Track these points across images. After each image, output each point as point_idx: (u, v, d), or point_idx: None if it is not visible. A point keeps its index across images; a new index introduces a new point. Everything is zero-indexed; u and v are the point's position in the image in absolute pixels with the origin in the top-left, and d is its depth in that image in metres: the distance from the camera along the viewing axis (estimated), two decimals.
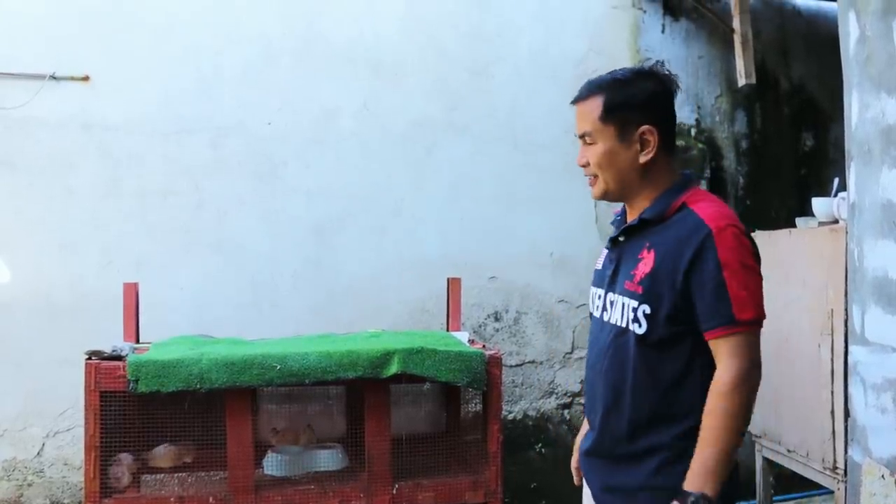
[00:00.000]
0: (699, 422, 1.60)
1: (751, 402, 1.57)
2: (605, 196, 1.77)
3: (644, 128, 1.68)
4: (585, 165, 1.76)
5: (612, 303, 1.73)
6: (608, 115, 1.69)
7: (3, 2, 3.50)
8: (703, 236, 1.58)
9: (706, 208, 1.64)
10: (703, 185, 4.28)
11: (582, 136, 1.74)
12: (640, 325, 1.64)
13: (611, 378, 1.71)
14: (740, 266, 1.57)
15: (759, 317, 1.59)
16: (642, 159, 1.69)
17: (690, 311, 1.60)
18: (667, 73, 1.75)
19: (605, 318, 1.75)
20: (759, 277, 1.62)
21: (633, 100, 1.69)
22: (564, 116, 4.10)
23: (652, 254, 1.65)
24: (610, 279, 1.76)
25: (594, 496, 1.83)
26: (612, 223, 1.89)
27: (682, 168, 1.89)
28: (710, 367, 1.61)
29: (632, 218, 1.76)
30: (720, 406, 1.55)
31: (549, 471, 4.01)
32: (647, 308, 1.63)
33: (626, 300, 1.67)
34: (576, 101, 1.76)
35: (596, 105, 1.70)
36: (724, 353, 1.57)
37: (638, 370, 1.66)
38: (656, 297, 1.62)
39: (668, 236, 1.64)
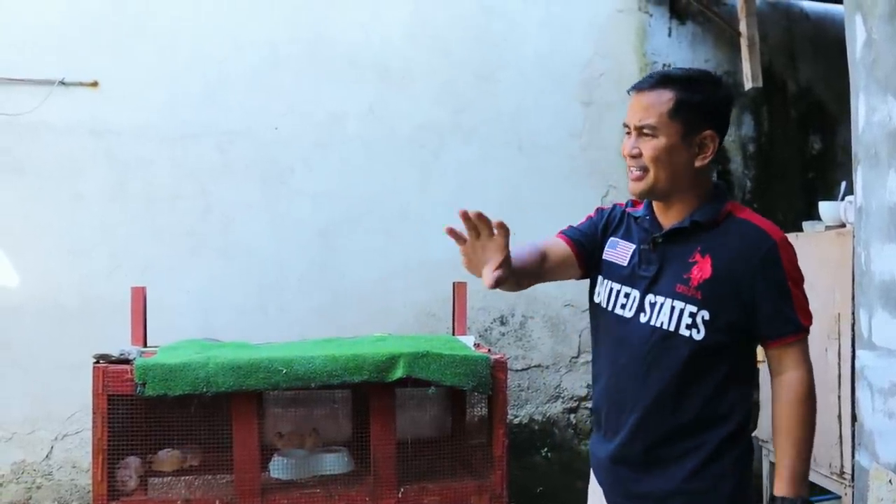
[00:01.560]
0: (738, 426, 1.67)
1: (814, 406, 1.67)
2: (651, 192, 1.70)
3: (707, 132, 1.67)
4: (637, 156, 1.68)
5: (652, 304, 1.68)
6: (678, 111, 1.65)
7: (13, 9, 3.53)
8: (769, 247, 1.63)
9: (761, 220, 1.69)
10: None
11: (640, 127, 1.67)
12: (697, 331, 1.63)
13: (652, 381, 1.67)
14: (800, 276, 1.67)
15: (810, 324, 1.69)
16: (698, 163, 1.67)
17: (750, 318, 1.65)
18: (730, 83, 1.78)
19: (643, 320, 1.70)
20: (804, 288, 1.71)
21: (705, 102, 1.67)
22: (570, 120, 4.12)
23: (707, 259, 1.64)
24: (650, 280, 1.70)
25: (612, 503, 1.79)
26: (621, 218, 1.83)
27: None
28: (749, 372, 1.72)
29: (667, 219, 1.73)
30: (800, 412, 1.63)
31: (555, 475, 4.01)
32: (706, 314, 1.63)
33: (679, 304, 1.65)
34: (641, 88, 1.69)
35: (666, 98, 1.65)
36: (794, 359, 1.65)
37: (686, 375, 1.65)
38: (717, 304, 1.63)
39: (726, 243, 1.65)
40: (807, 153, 4.57)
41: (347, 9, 3.89)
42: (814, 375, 1.66)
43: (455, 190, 3.97)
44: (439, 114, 3.98)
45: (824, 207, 3.27)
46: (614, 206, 1.90)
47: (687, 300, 1.64)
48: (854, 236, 2.79)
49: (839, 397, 2.99)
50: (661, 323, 1.67)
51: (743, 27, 4.04)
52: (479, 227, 1.60)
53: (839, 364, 2.99)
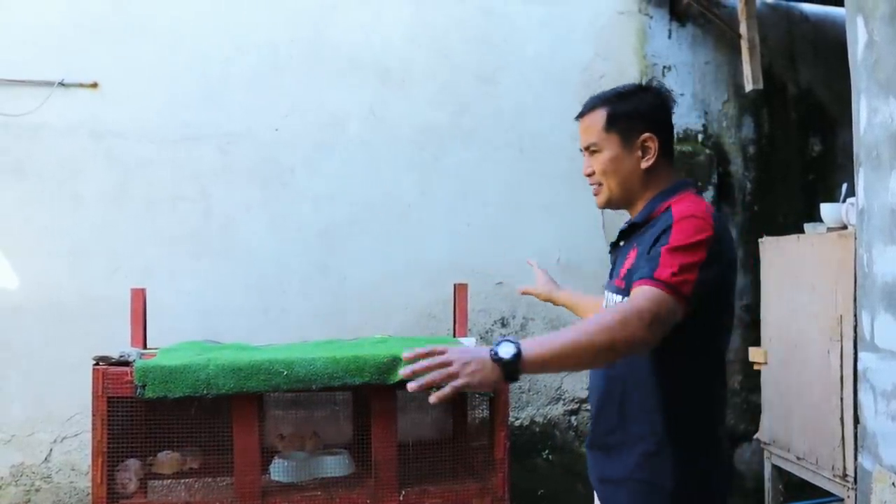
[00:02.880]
0: (679, 415, 1.67)
1: (625, 339, 1.48)
2: (609, 203, 1.86)
3: (645, 135, 1.78)
4: (591, 174, 1.85)
5: (607, 301, 1.83)
6: (611, 124, 1.80)
7: (12, 10, 3.53)
8: (668, 225, 1.65)
9: (682, 206, 1.70)
10: (711, 191, 4.27)
11: (587, 148, 1.84)
12: None
13: (603, 370, 1.78)
14: (685, 247, 1.58)
15: (673, 283, 1.55)
16: (644, 165, 1.79)
17: None
18: (665, 89, 1.89)
19: None
20: (697, 264, 1.58)
21: (635, 109, 1.80)
22: (571, 122, 4.06)
23: (634, 252, 1.74)
24: (608, 280, 1.88)
25: (594, 488, 1.88)
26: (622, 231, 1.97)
27: (685, 176, 1.96)
28: (703, 364, 1.70)
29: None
30: (604, 317, 1.51)
31: (556, 477, 4.00)
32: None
33: (614, 296, 1.78)
34: (580, 116, 1.87)
35: (600, 116, 1.81)
36: (634, 294, 1.56)
37: (623, 362, 1.67)
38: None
39: (647, 235, 1.72)
40: (807, 155, 4.57)
41: (348, 10, 3.88)
42: (647, 321, 1.49)
43: (455, 191, 3.97)
44: (440, 115, 3.97)
45: (826, 209, 3.27)
46: None
47: (617, 291, 1.77)
48: (856, 238, 2.79)
49: (841, 400, 2.99)
50: None
51: (743, 29, 4.04)
52: None
53: (841, 366, 2.99)
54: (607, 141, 1.80)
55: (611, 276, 1.88)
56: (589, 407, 4.00)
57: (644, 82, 1.92)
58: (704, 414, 1.71)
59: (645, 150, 1.79)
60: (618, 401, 1.74)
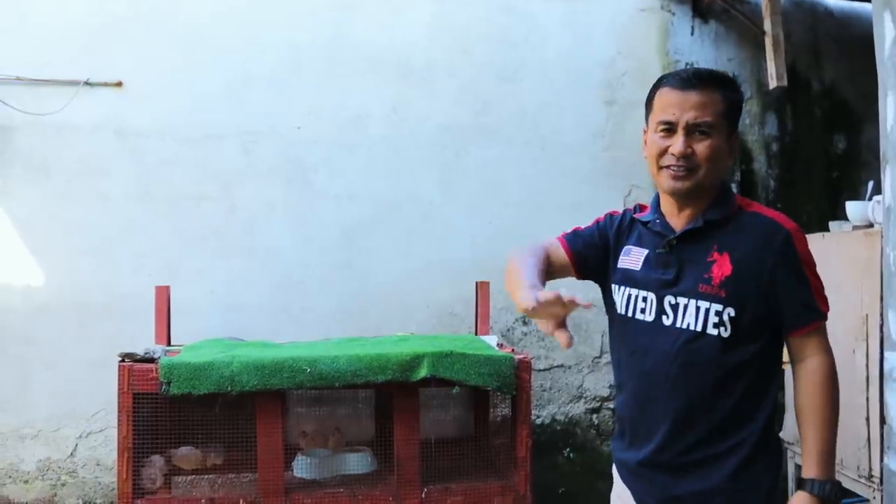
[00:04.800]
0: (768, 425, 1.69)
1: (837, 388, 1.68)
2: (696, 190, 1.68)
3: (735, 134, 1.74)
4: (688, 155, 1.65)
5: (674, 306, 1.68)
6: (728, 112, 1.69)
7: (38, 10, 3.57)
8: (784, 236, 1.64)
9: (771, 212, 1.71)
10: (734, 189, 4.23)
11: (696, 125, 1.64)
12: (725, 329, 1.64)
13: (682, 384, 1.67)
14: (814, 263, 1.69)
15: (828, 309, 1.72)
16: (729, 161, 1.76)
17: (773, 310, 1.66)
18: None
19: (666, 323, 1.69)
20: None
21: (740, 105, 1.75)
22: (593, 120, 4.10)
23: (725, 256, 1.65)
24: (670, 282, 1.69)
25: None
26: (631, 225, 1.84)
27: None
28: (775, 371, 1.73)
29: (678, 220, 1.73)
30: (826, 395, 1.65)
31: (578, 476, 3.99)
32: (731, 311, 1.64)
33: (704, 304, 1.64)
34: (690, 87, 1.66)
35: (719, 99, 1.66)
36: (816, 346, 1.67)
37: (717, 375, 1.65)
38: (742, 299, 1.64)
39: (742, 238, 1.67)
40: (831, 152, 4.52)
41: (369, 9, 3.89)
42: (834, 359, 1.69)
43: (477, 190, 3.97)
44: (461, 114, 3.97)
45: (851, 207, 3.23)
46: (624, 211, 1.90)
47: (711, 299, 1.64)
48: (882, 236, 2.76)
49: (867, 399, 2.96)
50: (688, 324, 1.66)
51: (767, 25, 4.01)
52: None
53: (867, 366, 2.96)
54: (720, 128, 1.66)
55: (677, 278, 1.69)
56: (611, 406, 4.00)
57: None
58: (773, 411, 1.73)
59: (732, 148, 1.73)
60: (705, 419, 1.67)
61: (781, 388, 3.79)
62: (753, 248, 1.65)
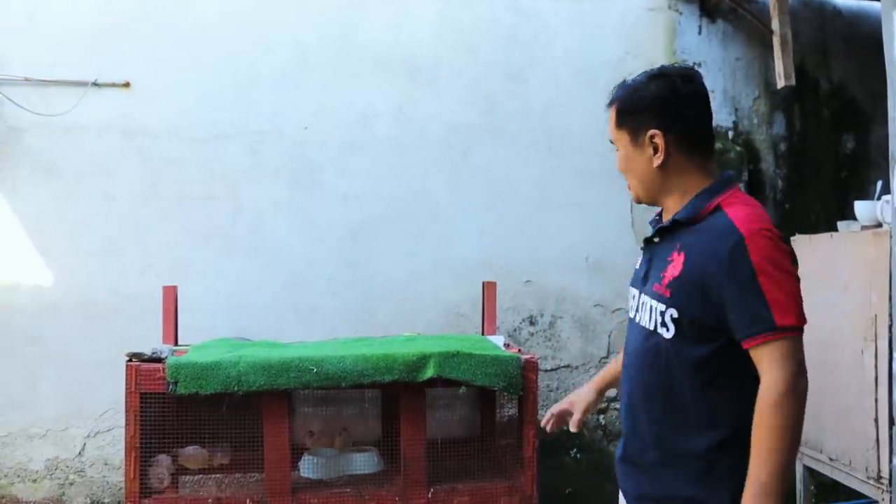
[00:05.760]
0: (732, 433, 1.57)
1: (801, 412, 1.49)
2: (639, 200, 1.78)
3: (651, 132, 1.66)
4: (621, 170, 1.78)
5: (643, 304, 1.71)
6: (620, 121, 1.72)
7: (46, 11, 3.58)
8: (734, 241, 1.52)
9: (739, 211, 1.58)
10: (742, 188, 4.22)
11: (612, 143, 1.77)
12: (667, 330, 1.61)
13: (641, 381, 1.69)
14: (776, 270, 1.50)
15: (801, 322, 1.51)
16: (655, 163, 1.68)
17: (722, 318, 1.55)
18: (683, 72, 1.71)
19: (637, 320, 1.74)
20: (797, 281, 1.55)
21: (638, 105, 1.69)
22: (600, 120, 4.07)
23: (682, 256, 1.61)
24: (642, 280, 1.74)
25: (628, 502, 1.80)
26: (650, 222, 1.86)
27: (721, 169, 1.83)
28: (747, 376, 1.55)
29: (665, 220, 1.74)
30: (771, 420, 1.47)
31: (585, 476, 3.98)
32: (674, 312, 1.60)
33: (654, 303, 1.65)
34: (606, 108, 1.79)
35: (613, 113, 1.74)
36: (768, 362, 1.49)
37: (666, 374, 1.63)
38: (684, 301, 1.59)
39: (700, 240, 1.60)
40: (840, 152, 4.50)
41: (376, 9, 3.89)
42: (798, 380, 1.48)
43: (484, 190, 3.96)
44: (468, 114, 3.97)
45: (860, 207, 3.22)
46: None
47: (659, 298, 1.64)
48: (891, 236, 2.75)
49: (876, 400, 2.94)
50: (646, 322, 1.68)
51: (775, 25, 3.99)
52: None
53: (876, 366, 2.94)
54: (620, 139, 1.72)
55: (645, 276, 1.73)
56: (618, 406, 3.99)
57: (660, 67, 1.74)
58: (744, 420, 1.56)
59: (654, 147, 1.66)
60: (656, 419, 1.65)
61: None
62: (705, 250, 1.57)
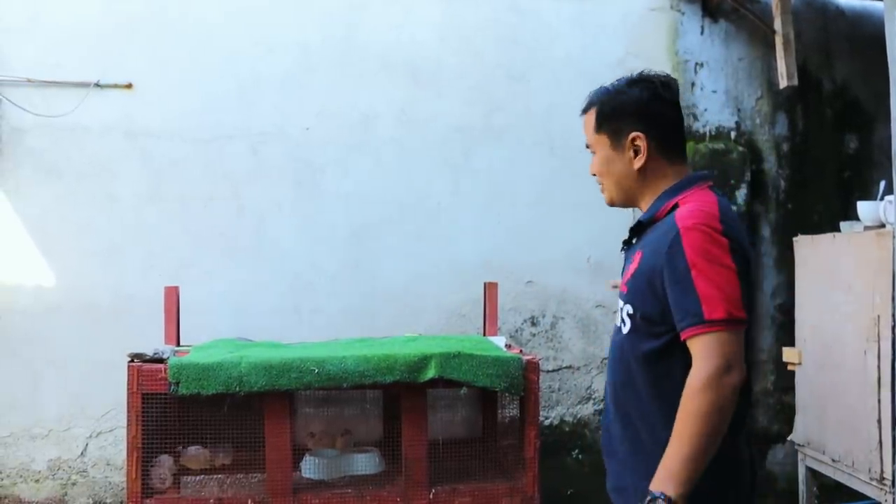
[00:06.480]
0: None
1: (722, 404, 1.50)
2: (613, 202, 1.82)
3: (633, 134, 1.71)
4: (594, 175, 1.83)
5: (619, 305, 1.78)
6: (601, 124, 1.76)
7: (48, 13, 3.59)
8: (673, 235, 1.58)
9: (685, 209, 1.63)
10: (744, 189, 4.21)
11: (587, 147, 1.82)
12: (625, 325, 1.69)
13: (613, 378, 1.75)
14: (708, 264, 1.53)
15: (733, 316, 1.53)
16: (635, 165, 1.72)
17: (666, 311, 1.59)
18: (662, 78, 1.75)
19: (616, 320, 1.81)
20: (734, 275, 1.55)
21: (621, 108, 1.73)
22: None
23: (640, 255, 1.68)
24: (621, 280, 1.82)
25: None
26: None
27: (713, 171, 1.87)
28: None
29: None
30: (688, 407, 1.51)
31: (586, 477, 3.98)
32: (629, 308, 1.67)
33: (620, 301, 1.73)
34: (581, 113, 1.84)
35: (592, 117, 1.79)
36: (696, 354, 1.53)
37: (627, 370, 1.68)
38: (636, 297, 1.66)
39: (652, 238, 1.67)
40: (843, 152, 4.49)
41: (379, 10, 3.90)
42: (723, 373, 1.49)
43: (486, 191, 3.96)
44: (470, 115, 3.97)
45: (863, 207, 3.21)
46: None
47: (622, 296, 1.72)
48: (894, 237, 2.75)
49: (879, 401, 2.94)
50: (618, 321, 1.75)
51: (778, 25, 3.98)
52: None
53: (878, 367, 2.94)
54: (599, 142, 1.77)
55: (622, 275, 1.80)
56: None
57: (638, 74, 1.77)
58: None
59: (635, 149, 1.71)
60: (621, 413, 1.70)
61: (789, 391, 3.77)
62: (654, 246, 1.63)
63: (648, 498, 1.50)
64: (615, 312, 1.81)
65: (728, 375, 1.51)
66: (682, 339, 1.56)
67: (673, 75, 4.12)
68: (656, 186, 1.74)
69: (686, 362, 1.57)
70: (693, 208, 1.61)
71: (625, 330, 1.68)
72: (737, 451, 1.64)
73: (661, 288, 1.59)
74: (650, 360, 1.63)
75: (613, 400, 1.74)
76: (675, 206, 1.67)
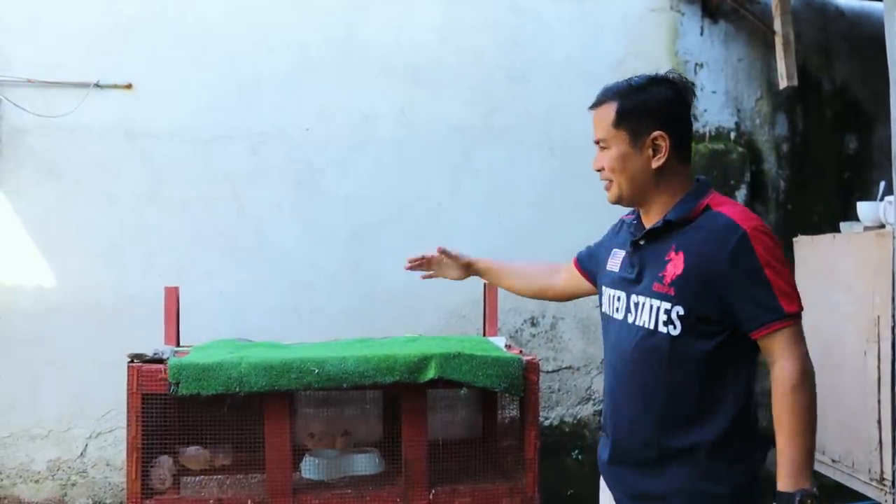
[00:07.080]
0: (732, 423, 1.63)
1: (815, 391, 1.60)
2: (619, 200, 1.78)
3: (656, 133, 1.70)
4: (600, 170, 1.78)
5: (636, 305, 1.73)
6: (621, 120, 1.72)
7: (49, 13, 3.59)
8: (739, 237, 1.59)
9: (734, 210, 1.65)
10: (744, 190, 4.21)
11: (597, 142, 1.77)
12: (674, 327, 1.64)
13: (639, 381, 1.71)
14: (779, 263, 1.60)
15: (801, 309, 1.62)
16: (654, 164, 1.71)
17: (727, 311, 1.61)
18: (683, 80, 1.76)
19: (630, 321, 1.74)
20: (791, 272, 1.65)
21: (645, 105, 1.71)
22: None
23: (681, 255, 1.65)
24: (632, 281, 1.76)
25: (618, 500, 1.81)
26: (621, 227, 1.92)
27: (716, 174, 1.88)
28: (742, 366, 1.65)
29: (648, 222, 1.77)
30: (794, 401, 1.57)
31: (586, 478, 3.97)
32: (680, 309, 1.63)
33: (656, 302, 1.67)
34: (592, 107, 1.80)
35: (610, 111, 1.74)
36: (781, 348, 1.59)
37: (670, 371, 1.66)
38: (690, 298, 1.62)
39: (698, 238, 1.65)
40: (842, 153, 4.50)
41: (379, 11, 3.90)
42: (809, 362, 1.59)
43: (486, 191, 3.97)
44: (470, 115, 3.97)
45: (863, 208, 3.21)
46: (624, 216, 1.95)
47: (662, 297, 1.66)
48: (894, 237, 2.75)
49: (879, 402, 2.94)
50: (644, 322, 1.70)
51: (777, 25, 3.99)
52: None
53: (878, 367, 2.94)
54: (616, 138, 1.72)
55: (638, 277, 1.74)
56: None
57: (659, 74, 1.77)
58: (752, 415, 1.68)
59: (656, 148, 1.70)
60: (658, 417, 1.67)
61: None
62: (707, 247, 1.62)
63: (798, 497, 1.54)
64: (625, 313, 1.76)
65: (810, 362, 1.60)
66: (756, 335, 1.60)
67: None
68: (671, 188, 1.73)
69: (735, 361, 1.64)
70: (745, 210, 1.66)
71: (673, 332, 1.64)
72: (752, 436, 1.70)
73: (723, 287, 1.60)
74: (707, 360, 1.63)
75: (638, 405, 1.71)
76: (708, 208, 1.68)
